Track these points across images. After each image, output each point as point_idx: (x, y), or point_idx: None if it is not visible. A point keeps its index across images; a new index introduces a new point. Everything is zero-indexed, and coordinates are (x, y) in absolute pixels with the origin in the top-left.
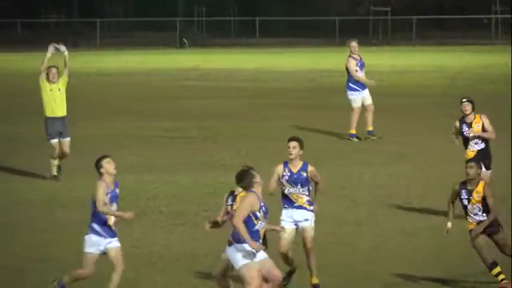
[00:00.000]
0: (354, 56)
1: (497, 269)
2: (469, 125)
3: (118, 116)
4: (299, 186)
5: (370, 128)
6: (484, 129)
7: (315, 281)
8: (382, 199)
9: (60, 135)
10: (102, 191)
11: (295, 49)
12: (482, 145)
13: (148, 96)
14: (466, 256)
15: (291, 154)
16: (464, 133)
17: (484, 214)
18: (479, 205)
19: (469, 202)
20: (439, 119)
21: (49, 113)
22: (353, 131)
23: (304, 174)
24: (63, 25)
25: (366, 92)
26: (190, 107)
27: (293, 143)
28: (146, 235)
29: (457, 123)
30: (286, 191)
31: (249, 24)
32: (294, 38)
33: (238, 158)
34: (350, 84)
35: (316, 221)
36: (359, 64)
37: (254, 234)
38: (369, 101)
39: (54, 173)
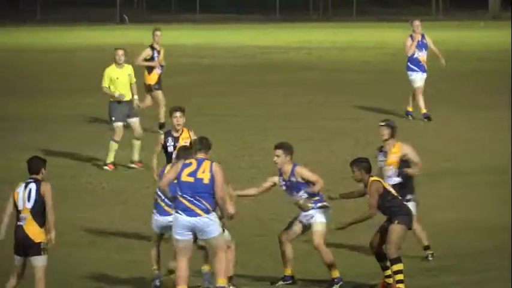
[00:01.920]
0: (414, 35)
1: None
2: (385, 154)
3: (57, 93)
4: (294, 192)
5: (410, 109)
6: (402, 161)
7: (335, 275)
8: (321, 175)
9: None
10: None
11: (236, 25)
12: (398, 179)
13: (89, 73)
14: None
15: (276, 163)
16: (379, 162)
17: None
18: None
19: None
20: (379, 95)
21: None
22: (423, 110)
23: (294, 180)
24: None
25: (424, 75)
26: None
27: (277, 151)
28: (89, 212)
29: (376, 151)
30: (289, 200)
31: (189, 0)
32: (234, 14)
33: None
34: (408, 64)
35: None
36: (417, 44)
37: None
38: (420, 83)
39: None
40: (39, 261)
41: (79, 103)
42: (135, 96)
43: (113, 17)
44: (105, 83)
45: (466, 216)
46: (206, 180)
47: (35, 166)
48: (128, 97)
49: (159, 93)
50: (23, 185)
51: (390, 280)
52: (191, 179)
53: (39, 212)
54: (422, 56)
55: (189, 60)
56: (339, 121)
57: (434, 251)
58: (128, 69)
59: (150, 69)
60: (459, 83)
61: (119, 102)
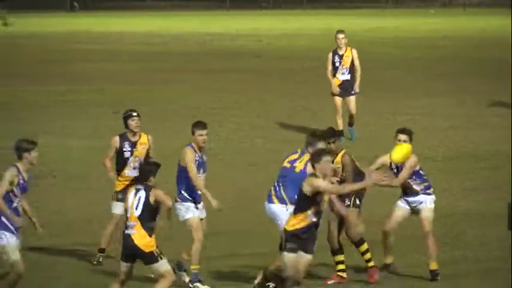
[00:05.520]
0: None
1: (364, 247)
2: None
3: (9, 80)
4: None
5: None
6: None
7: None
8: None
9: None
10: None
11: (186, 12)
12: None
13: (40, 60)
14: None
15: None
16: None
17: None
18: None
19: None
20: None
21: None
22: None
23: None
24: None
25: None
26: (83, 70)
27: (403, 136)
28: (39, 200)
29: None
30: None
31: None
32: (184, 1)
33: None
34: None
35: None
36: None
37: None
38: None
39: None
40: (160, 267)
41: (31, 90)
42: None
43: (63, 5)
44: None
45: None
46: (297, 170)
47: (144, 173)
48: None
49: (337, 100)
50: (133, 190)
51: (344, 274)
52: (287, 165)
53: (147, 221)
54: None
55: (140, 47)
56: (287, 108)
57: None
58: None
59: (333, 74)
60: (409, 69)
61: None
